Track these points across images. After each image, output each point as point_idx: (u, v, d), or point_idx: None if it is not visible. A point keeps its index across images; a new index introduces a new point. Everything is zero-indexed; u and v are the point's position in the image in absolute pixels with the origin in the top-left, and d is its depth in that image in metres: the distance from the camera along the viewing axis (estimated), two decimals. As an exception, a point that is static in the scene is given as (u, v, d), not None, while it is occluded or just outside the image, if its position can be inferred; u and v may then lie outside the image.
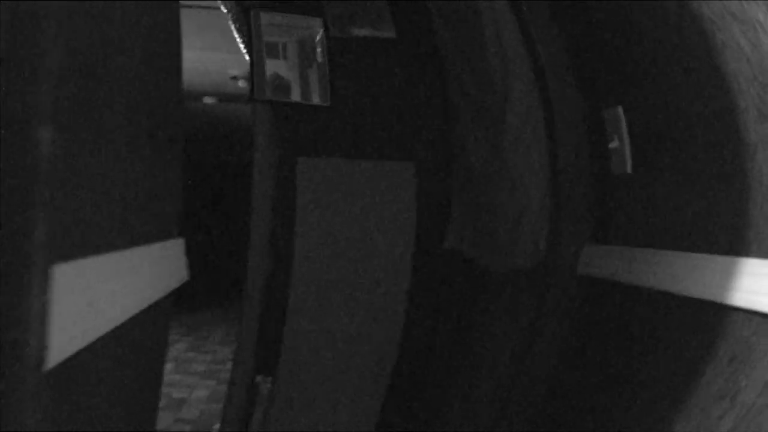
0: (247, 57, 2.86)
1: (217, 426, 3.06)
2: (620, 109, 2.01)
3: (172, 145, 1.86)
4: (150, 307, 1.54)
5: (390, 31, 2.80)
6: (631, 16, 1.81)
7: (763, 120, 1.34)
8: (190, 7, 4.56)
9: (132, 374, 1.53)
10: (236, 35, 3.83)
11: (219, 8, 4.00)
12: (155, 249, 1.64)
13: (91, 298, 1.10)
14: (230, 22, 3.76)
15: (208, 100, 7.16)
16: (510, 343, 2.45)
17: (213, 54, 5.50)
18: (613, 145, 2.05)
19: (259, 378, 2.81)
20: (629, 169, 2.01)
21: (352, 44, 2.80)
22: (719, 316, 1.46)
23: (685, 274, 1.60)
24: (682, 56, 1.62)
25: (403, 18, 2.81)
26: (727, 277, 1.42)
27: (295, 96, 2.77)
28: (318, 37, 2.78)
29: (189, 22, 4.97)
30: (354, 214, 2.74)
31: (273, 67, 2.76)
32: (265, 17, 2.78)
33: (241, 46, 3.40)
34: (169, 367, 5.93)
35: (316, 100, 2.78)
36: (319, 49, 2.78)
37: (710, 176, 1.59)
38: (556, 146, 2.26)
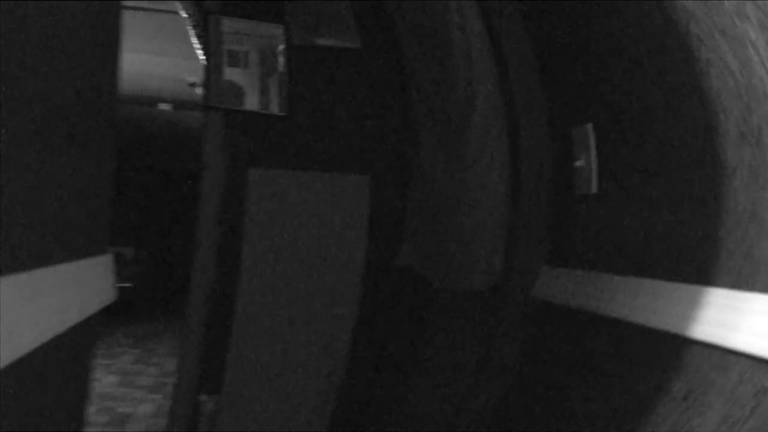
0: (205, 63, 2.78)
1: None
2: (590, 127, 1.96)
3: (100, 152, 1.74)
4: (73, 328, 1.42)
5: (354, 42, 2.74)
6: (611, 31, 1.76)
7: (743, 142, 1.29)
8: (148, 10, 4.45)
9: (54, 392, 1.42)
10: (195, 41, 3.73)
11: (178, 12, 3.90)
12: (81, 266, 1.50)
13: (11, 317, 1.00)
14: (189, 27, 3.67)
15: (163, 106, 7.02)
16: (460, 365, 2.39)
17: (171, 59, 5.39)
18: (579, 163, 2.01)
19: (203, 397, 2.70)
20: (594, 190, 1.96)
21: (314, 53, 2.74)
22: (678, 349, 1.41)
23: (645, 302, 1.54)
24: (662, 74, 1.57)
25: (368, 28, 2.76)
26: (691, 308, 1.36)
27: (252, 104, 2.69)
28: (279, 45, 2.71)
29: (147, 26, 4.87)
30: (305, 227, 2.66)
31: (230, 74, 2.68)
32: (225, 23, 2.70)
33: (200, 52, 3.31)
34: (114, 380, 5.74)
35: (273, 109, 2.71)
36: (279, 58, 2.71)
37: (681, 199, 1.54)
38: (519, 161, 2.21)
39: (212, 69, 2.67)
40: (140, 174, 10.09)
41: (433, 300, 2.63)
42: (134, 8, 4.35)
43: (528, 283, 2.15)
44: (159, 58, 5.30)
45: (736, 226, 1.32)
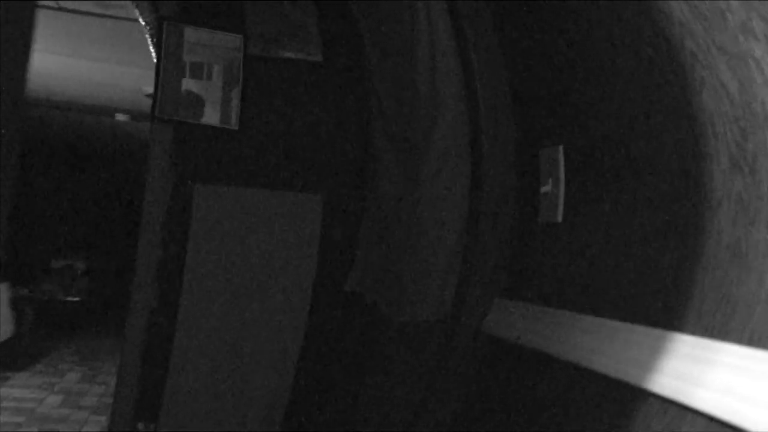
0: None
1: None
2: (560, 150, 1.78)
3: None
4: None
5: (317, 55, 2.64)
6: (590, 44, 1.59)
7: (734, 171, 1.14)
8: (104, 16, 4.30)
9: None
10: (152, 50, 3.59)
11: (137, 20, 3.76)
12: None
13: None
14: (147, 36, 3.53)
15: (120, 117, 6.85)
16: (404, 397, 2.28)
17: (128, 69, 5.24)
18: (545, 189, 1.83)
19: (140, 425, 2.54)
20: (559, 218, 1.79)
21: (272, 65, 2.63)
22: (631, 401, 1.25)
23: (601, 345, 1.38)
24: (647, 93, 1.41)
25: (331, 41, 2.66)
26: (651, 355, 1.20)
27: (202, 117, 2.57)
28: (236, 56, 2.59)
29: (103, 33, 4.71)
30: (252, 247, 2.53)
31: (182, 84, 2.56)
32: (180, 31, 2.58)
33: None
34: (57, 400, 5.49)
35: (225, 123, 2.59)
36: (234, 68, 2.59)
37: (656, 232, 1.37)
38: (480, 185, 2.09)
39: (164, 79, 2.54)
40: (96, 184, 9.84)
41: (380, 328, 2.52)
42: (91, 14, 4.20)
43: (479, 317, 2.04)
44: (116, 66, 5.15)
45: (715, 266, 1.18)
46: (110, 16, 4.30)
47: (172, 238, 2.45)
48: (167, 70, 2.53)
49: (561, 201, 1.79)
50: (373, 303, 2.52)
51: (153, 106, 2.54)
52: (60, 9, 4.06)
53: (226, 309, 2.49)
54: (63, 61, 5.04)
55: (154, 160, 2.51)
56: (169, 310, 2.43)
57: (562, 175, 1.79)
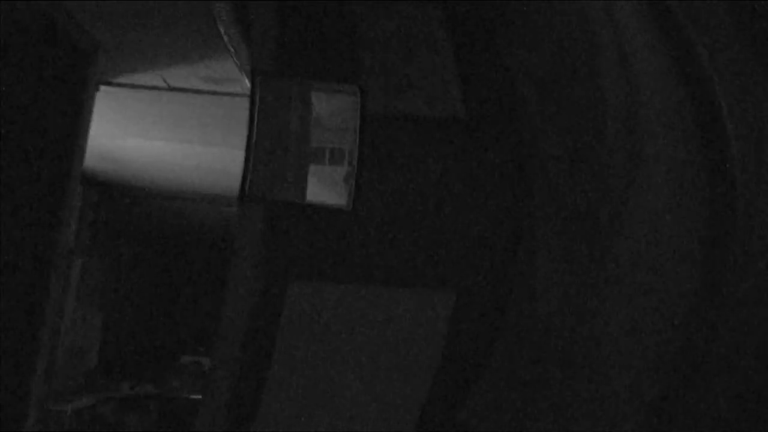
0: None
1: None
2: None
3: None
4: None
5: (457, 109, 1.98)
6: None
7: None
8: (217, 94, 3.93)
9: None
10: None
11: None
12: None
13: None
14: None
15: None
16: None
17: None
18: None
19: None
20: None
21: (398, 125, 2.00)
22: None
23: None
24: None
25: (478, 89, 1.99)
26: None
27: (304, 195, 1.98)
28: (350, 114, 2.00)
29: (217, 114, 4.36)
30: (353, 364, 1.85)
31: (278, 154, 1.99)
32: (277, 86, 2.03)
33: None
34: None
35: (333, 201, 1.98)
36: (348, 131, 2.00)
37: None
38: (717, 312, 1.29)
39: (256, 147, 1.99)
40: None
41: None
42: (201, 92, 3.84)
43: None
44: (235, 151, 4.79)
45: None
46: (225, 93, 3.91)
47: (255, 349, 1.82)
48: (258, 137, 1.98)
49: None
50: None
51: (243, 182, 1.98)
52: (171, 89, 3.72)
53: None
54: (178, 147, 4.75)
55: (240, 249, 1.93)
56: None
57: None
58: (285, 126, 1.97)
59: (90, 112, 3.30)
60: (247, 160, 1.99)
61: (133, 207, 6.71)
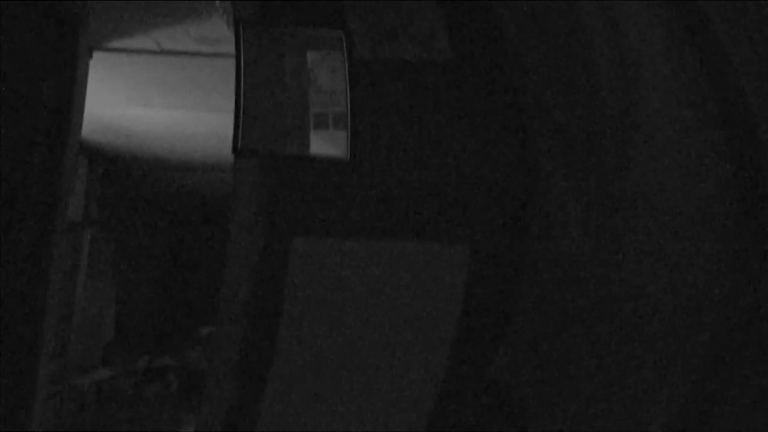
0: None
1: None
2: None
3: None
4: None
5: (443, 51, 1.88)
6: None
7: None
8: (215, 56, 3.82)
9: None
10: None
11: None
12: None
13: None
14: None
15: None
16: None
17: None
18: None
19: None
20: None
21: (386, 70, 1.91)
22: None
23: None
24: None
25: (463, 30, 1.89)
26: None
27: (300, 147, 1.89)
28: (336, 59, 1.91)
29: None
30: (365, 321, 1.79)
31: (268, 104, 1.91)
32: (267, 33, 1.94)
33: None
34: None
35: (329, 151, 1.89)
36: (337, 78, 1.91)
37: None
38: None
39: (245, 99, 1.90)
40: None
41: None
42: (200, 54, 3.73)
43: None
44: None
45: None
46: (222, 55, 3.79)
47: (259, 314, 1.76)
48: (250, 87, 1.89)
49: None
50: (524, 401, 1.68)
51: (235, 136, 1.90)
52: (162, 52, 3.62)
53: (330, 402, 1.76)
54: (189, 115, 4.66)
55: (238, 207, 1.85)
56: (252, 411, 1.72)
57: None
58: (273, 76, 1.88)
59: (84, 78, 3.22)
60: (237, 113, 1.91)
61: (143, 178, 6.64)
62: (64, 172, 2.89)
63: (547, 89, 1.67)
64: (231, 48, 3.74)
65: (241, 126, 1.87)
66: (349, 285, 1.84)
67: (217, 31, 3.41)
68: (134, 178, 6.63)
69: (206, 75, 4.00)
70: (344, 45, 1.88)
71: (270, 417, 1.73)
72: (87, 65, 3.24)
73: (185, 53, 3.70)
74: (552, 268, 1.76)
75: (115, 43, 3.51)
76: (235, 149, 1.89)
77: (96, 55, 3.54)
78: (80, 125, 3.19)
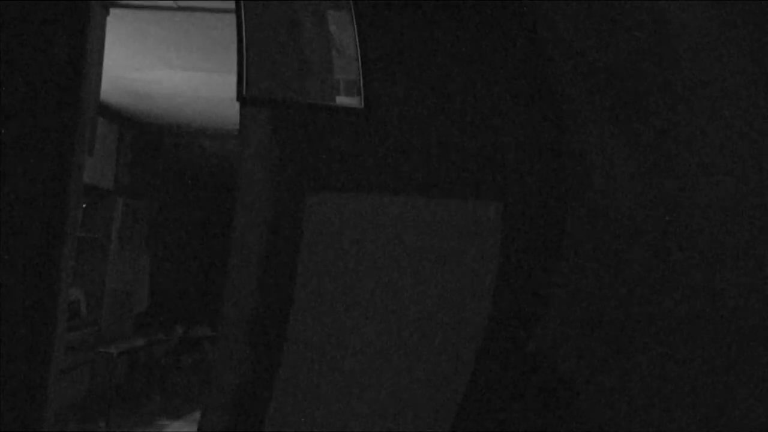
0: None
1: None
2: None
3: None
4: None
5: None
6: None
7: None
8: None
9: None
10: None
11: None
12: None
13: None
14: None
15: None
16: None
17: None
18: None
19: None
20: None
21: (396, 11, 1.73)
22: None
23: None
24: None
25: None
26: None
27: (308, 94, 1.73)
28: (344, 5, 1.73)
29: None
30: (390, 285, 1.63)
31: (274, 51, 1.75)
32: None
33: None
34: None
35: (341, 100, 1.73)
36: (343, 20, 1.74)
37: None
38: None
39: (250, 47, 1.74)
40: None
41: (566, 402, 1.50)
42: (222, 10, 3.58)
43: None
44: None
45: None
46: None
47: (274, 272, 1.62)
48: (251, 36, 1.73)
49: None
50: (568, 375, 1.51)
51: (239, 83, 1.74)
52: (179, 9, 3.47)
53: (352, 374, 1.62)
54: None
55: (248, 159, 1.71)
56: (265, 380, 1.59)
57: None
58: (281, 21, 1.72)
59: (100, 34, 3.09)
60: (240, 58, 1.75)
61: (174, 145, 6.51)
62: (77, 130, 2.77)
63: (577, 31, 1.48)
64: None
65: (245, 73, 1.71)
66: (369, 246, 1.69)
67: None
68: (165, 145, 6.53)
69: (228, 34, 3.84)
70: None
71: (285, 388, 1.60)
72: (103, 18, 3.12)
73: (203, 10, 3.55)
74: (596, 224, 1.58)
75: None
76: (240, 97, 1.74)
77: (112, 12, 3.41)
78: (98, 84, 3.07)
